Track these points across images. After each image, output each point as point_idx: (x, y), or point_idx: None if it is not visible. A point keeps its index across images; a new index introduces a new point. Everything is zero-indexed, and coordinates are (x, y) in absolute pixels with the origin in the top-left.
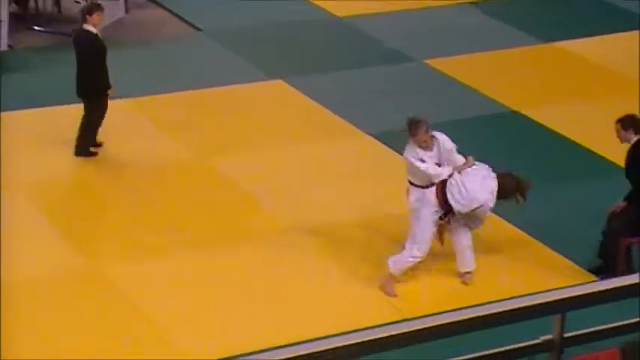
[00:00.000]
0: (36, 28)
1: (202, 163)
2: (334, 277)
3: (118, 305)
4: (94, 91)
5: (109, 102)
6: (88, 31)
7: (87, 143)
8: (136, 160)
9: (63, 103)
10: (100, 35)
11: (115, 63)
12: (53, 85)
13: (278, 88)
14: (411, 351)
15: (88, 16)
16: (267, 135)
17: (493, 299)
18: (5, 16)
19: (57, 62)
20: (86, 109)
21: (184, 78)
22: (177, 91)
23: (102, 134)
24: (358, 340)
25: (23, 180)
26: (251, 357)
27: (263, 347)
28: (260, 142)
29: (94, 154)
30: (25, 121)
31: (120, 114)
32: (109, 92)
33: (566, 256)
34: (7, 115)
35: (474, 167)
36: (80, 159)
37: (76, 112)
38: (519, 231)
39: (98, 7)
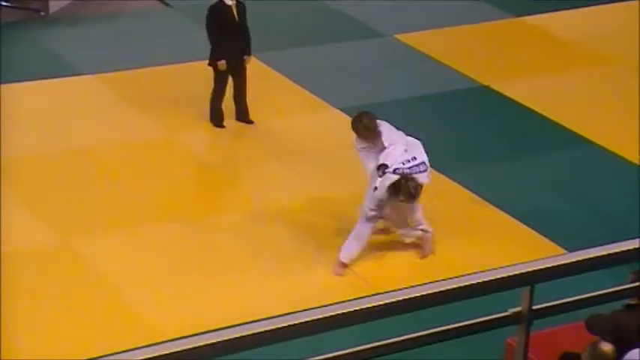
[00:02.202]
0: (3, 3)
1: (170, 139)
2: (305, 251)
3: (86, 279)
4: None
5: (80, 79)
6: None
7: (212, 113)
8: (105, 136)
9: (32, 79)
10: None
11: (82, 38)
12: (22, 61)
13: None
14: (381, 325)
15: None
16: (233, 111)
17: (462, 273)
18: None
19: (24, 38)
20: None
21: (154, 54)
22: (146, 67)
23: (73, 111)
24: (325, 315)
25: None
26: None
27: (231, 322)
28: (229, 117)
29: (221, 126)
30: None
31: (88, 90)
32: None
33: (536, 230)
34: None
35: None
36: (47, 136)
37: (40, 89)
38: (488, 204)
39: None
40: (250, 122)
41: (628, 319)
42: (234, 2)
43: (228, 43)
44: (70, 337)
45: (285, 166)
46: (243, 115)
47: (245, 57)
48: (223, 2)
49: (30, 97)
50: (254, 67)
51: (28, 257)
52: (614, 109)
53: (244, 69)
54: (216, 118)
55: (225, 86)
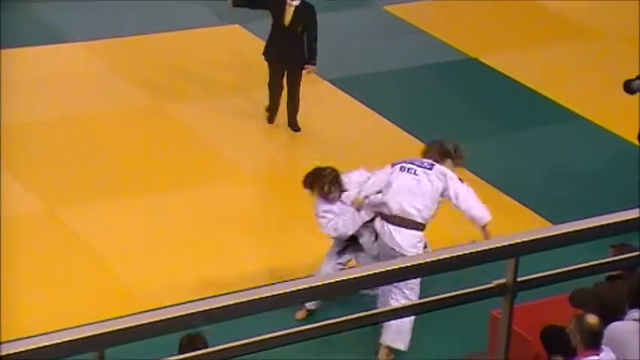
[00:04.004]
0: None
1: (159, 108)
2: (293, 220)
3: (72, 248)
4: None
5: (68, 47)
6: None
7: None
8: (94, 105)
9: (20, 46)
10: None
11: (71, 5)
12: (10, 28)
13: (235, 33)
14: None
15: None
16: (223, 81)
17: (448, 245)
18: None
19: (12, 6)
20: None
21: (145, 21)
22: (136, 35)
23: (62, 80)
24: (311, 285)
25: None
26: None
27: (216, 291)
28: (217, 88)
29: (270, 121)
30: None
31: (75, 58)
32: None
33: (522, 203)
34: None
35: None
36: (35, 104)
37: (28, 56)
38: (475, 177)
39: None
40: (297, 130)
41: (611, 291)
42: (297, 6)
43: (272, 43)
44: (55, 306)
45: (273, 137)
46: (290, 122)
47: (305, 66)
48: None
49: (18, 64)
50: (241, 37)
51: (14, 225)
52: (603, 82)
53: (296, 76)
54: (270, 112)
55: (276, 85)
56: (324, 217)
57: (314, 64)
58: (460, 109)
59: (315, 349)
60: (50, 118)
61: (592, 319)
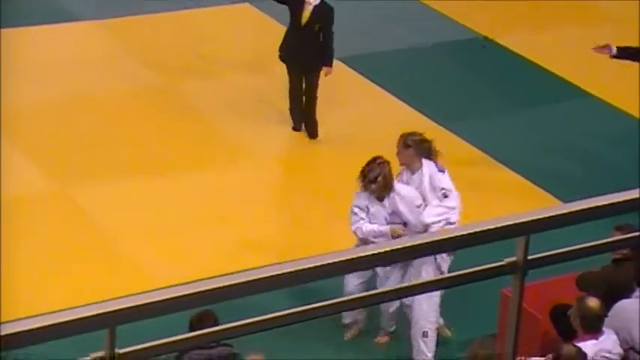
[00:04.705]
0: None
1: (171, 88)
2: (305, 198)
3: (83, 228)
4: None
5: (79, 25)
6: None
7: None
8: (106, 84)
9: (30, 25)
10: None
11: None
12: (21, 6)
13: (245, 11)
14: None
15: None
16: (233, 59)
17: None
18: None
19: None
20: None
21: (150, 1)
22: (144, 14)
23: (73, 58)
24: (325, 262)
25: None
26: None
27: (224, 270)
28: (225, 67)
29: (296, 129)
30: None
31: (88, 37)
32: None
33: (533, 181)
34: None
35: None
36: (47, 83)
37: (38, 35)
38: (486, 156)
39: None
40: (314, 137)
41: (617, 273)
42: (316, 6)
43: (288, 43)
44: (66, 284)
45: (287, 117)
46: (307, 126)
47: (323, 67)
48: None
49: (28, 43)
50: (251, 15)
51: (27, 204)
52: (614, 62)
53: (313, 77)
54: (292, 118)
55: (295, 88)
56: (355, 213)
57: (330, 66)
58: (471, 88)
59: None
60: (62, 97)
61: (592, 302)
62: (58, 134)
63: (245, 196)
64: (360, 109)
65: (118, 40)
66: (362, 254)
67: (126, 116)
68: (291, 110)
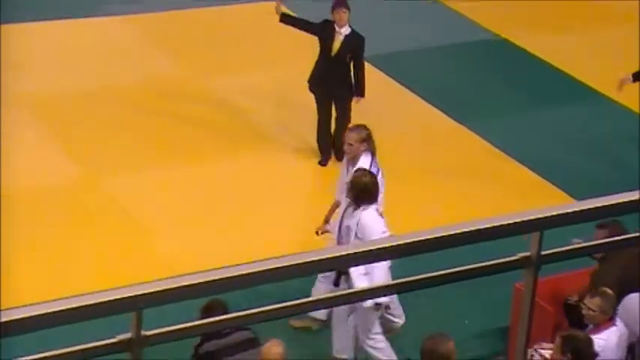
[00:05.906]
0: None
1: (200, 83)
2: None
3: (113, 215)
4: None
5: (99, 20)
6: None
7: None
8: (135, 76)
9: (61, 18)
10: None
11: None
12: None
13: (271, 8)
14: (395, 265)
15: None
16: (261, 57)
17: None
18: None
19: None
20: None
21: None
22: (172, 10)
23: (105, 51)
24: (343, 253)
25: (27, 94)
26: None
27: (254, 257)
28: (253, 64)
29: (322, 163)
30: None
31: (116, 31)
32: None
33: (548, 179)
34: (16, 28)
35: None
36: (80, 76)
37: (69, 28)
38: (502, 154)
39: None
40: (341, 160)
41: (603, 273)
42: (346, 35)
43: (318, 73)
44: (97, 270)
45: (314, 110)
46: (337, 152)
47: (354, 97)
48: (332, 25)
49: (60, 36)
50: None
51: (56, 193)
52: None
53: (345, 108)
54: (320, 151)
55: (325, 119)
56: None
57: (363, 96)
58: (489, 87)
59: None
60: (93, 89)
61: (609, 290)
62: (88, 124)
63: (274, 186)
64: (382, 107)
65: (148, 34)
66: (386, 244)
67: (157, 108)
68: (319, 143)
